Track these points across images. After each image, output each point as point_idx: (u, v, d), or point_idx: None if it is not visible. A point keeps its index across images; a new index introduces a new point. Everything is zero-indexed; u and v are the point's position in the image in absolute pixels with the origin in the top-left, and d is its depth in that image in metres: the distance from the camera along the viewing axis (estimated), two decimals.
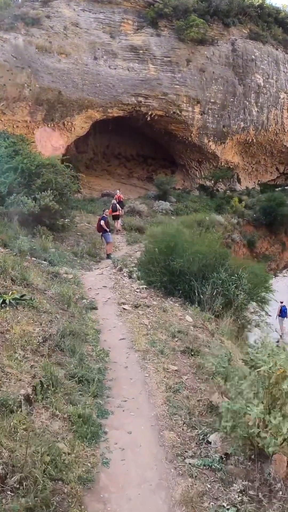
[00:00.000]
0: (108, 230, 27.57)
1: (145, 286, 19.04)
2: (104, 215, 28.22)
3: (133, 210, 41.85)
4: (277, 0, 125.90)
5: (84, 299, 16.67)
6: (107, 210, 29.50)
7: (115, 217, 33.99)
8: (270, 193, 54.76)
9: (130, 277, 20.94)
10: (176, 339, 13.87)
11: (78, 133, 49.70)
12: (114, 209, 33.68)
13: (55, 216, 28.38)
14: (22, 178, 28.26)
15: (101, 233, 27.91)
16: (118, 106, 50.08)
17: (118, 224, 34.55)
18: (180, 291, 18.22)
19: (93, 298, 17.14)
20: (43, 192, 27.01)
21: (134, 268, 22.26)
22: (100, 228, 27.63)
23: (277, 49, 63.72)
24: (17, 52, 43.25)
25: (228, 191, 58.65)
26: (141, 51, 51.96)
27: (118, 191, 41.12)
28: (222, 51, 57.58)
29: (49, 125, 46.51)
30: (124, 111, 51.08)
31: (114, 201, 35.39)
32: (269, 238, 50.82)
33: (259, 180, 66.99)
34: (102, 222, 27.40)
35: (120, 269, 21.90)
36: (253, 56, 59.60)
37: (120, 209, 35.27)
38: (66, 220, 31.91)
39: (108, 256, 27.09)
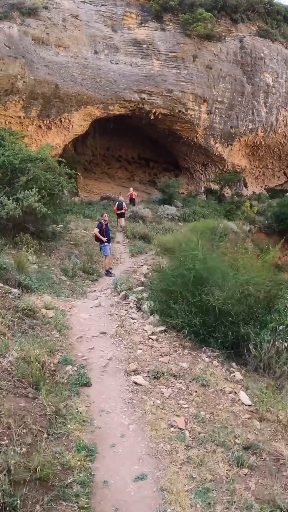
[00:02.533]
0: (105, 240, 20.36)
1: (163, 329, 11.75)
2: (102, 220, 21.00)
3: (136, 215, 34.93)
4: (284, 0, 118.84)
5: (69, 363, 9.28)
6: (105, 214, 21.87)
7: (120, 215, 31.58)
8: (282, 199, 47.70)
9: (139, 308, 13.68)
10: (246, 469, 6.59)
11: (77, 131, 42.79)
12: (120, 207, 31.32)
13: (43, 221, 21.12)
14: (3, 175, 20.97)
15: (98, 243, 20.87)
16: (119, 103, 43.35)
17: (122, 221, 31.69)
18: (219, 340, 10.95)
19: (85, 359, 9.69)
20: (26, 191, 19.59)
21: (143, 293, 14.99)
22: (96, 238, 20.70)
23: (286, 48, 57.22)
24: (11, 42, 37.01)
25: (234, 196, 51.39)
26: (145, 46, 45.62)
27: (131, 188, 40.70)
28: (230, 48, 51.05)
29: (44, 122, 39.58)
30: (126, 108, 44.40)
31: (120, 198, 33.88)
32: (281, 246, 43.38)
33: (266, 185, 60.26)
34: (96, 231, 20.41)
35: (125, 297, 14.52)
36: (262, 54, 53.06)
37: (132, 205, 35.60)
38: (59, 226, 24.91)
39: (108, 273, 20.15)
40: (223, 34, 51.10)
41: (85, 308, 13.16)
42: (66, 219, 27.09)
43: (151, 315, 12.96)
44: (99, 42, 43.30)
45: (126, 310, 13.32)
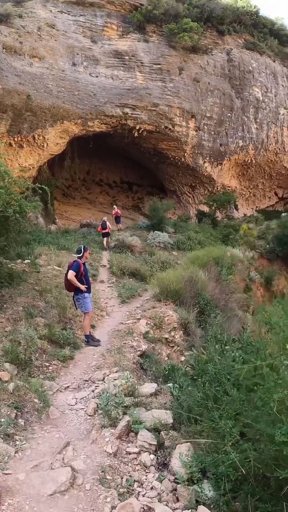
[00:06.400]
0: (84, 288, 11.86)
1: None
2: (77, 259, 12.26)
3: (123, 245, 26.69)
4: (269, 12, 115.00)
5: None
6: (88, 251, 13.28)
7: (105, 235, 28.66)
8: (282, 220, 40.60)
9: (164, 465, 5.72)
10: None
11: (53, 150, 35.06)
12: (104, 227, 28.58)
13: None
14: None
15: (72, 293, 12.38)
16: (100, 119, 36.05)
17: (107, 241, 28.56)
18: None
19: None
20: None
21: (164, 409, 7.08)
22: (69, 285, 12.05)
23: (274, 61, 51.24)
24: None
25: (225, 219, 43.73)
26: (127, 58, 38.84)
27: (115, 206, 37.24)
28: (217, 60, 44.68)
29: (15, 139, 31.91)
30: (108, 125, 37.11)
31: (104, 218, 30.16)
32: (285, 273, 36.36)
33: (257, 206, 53.20)
34: (72, 275, 11.72)
35: (127, 431, 6.56)
36: (250, 68, 46.83)
37: (117, 224, 34.27)
38: (25, 261, 17.02)
39: (88, 340, 11.86)
40: (210, 46, 44.88)
41: (33, 501, 5.11)
42: (36, 251, 19.30)
43: (194, 483, 5.35)
44: (78, 54, 36.55)
45: (138, 483, 5.47)
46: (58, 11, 37.42)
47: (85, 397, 8.26)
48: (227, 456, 4.88)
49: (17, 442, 6.38)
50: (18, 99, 30.85)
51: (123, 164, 49.73)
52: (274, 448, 4.40)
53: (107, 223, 28.72)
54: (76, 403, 8.07)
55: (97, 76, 36.69)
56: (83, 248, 12.44)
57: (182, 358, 12.23)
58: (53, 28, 35.99)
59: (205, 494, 5.14)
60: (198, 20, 43.19)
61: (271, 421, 4.64)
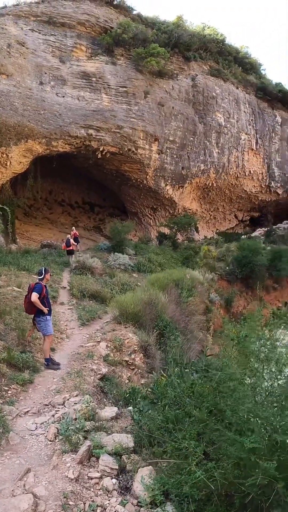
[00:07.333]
0: (47, 310, 11.87)
1: None
2: (39, 281, 12.29)
3: (83, 267, 26.24)
4: (234, 41, 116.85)
5: None
6: (49, 273, 13.20)
7: (69, 252, 29.16)
8: (241, 242, 41.25)
9: (126, 488, 5.81)
10: None
11: (16, 169, 34.81)
12: (68, 244, 28.86)
13: None
14: None
15: (33, 315, 12.22)
16: (64, 139, 36.22)
17: (72, 258, 28.65)
18: None
19: None
20: None
21: (126, 433, 7.13)
22: (30, 307, 12.06)
23: (237, 88, 52.97)
24: None
25: (186, 241, 44.16)
26: (94, 79, 39.07)
27: (73, 228, 35.03)
28: (182, 86, 45.76)
29: None
30: (72, 145, 37.25)
31: (68, 236, 30.60)
32: (245, 294, 37.02)
33: (217, 229, 54.26)
34: (35, 296, 11.65)
35: (89, 456, 6.40)
36: (214, 94, 48.31)
37: (76, 244, 31.53)
38: None
39: (48, 364, 11.74)
40: (175, 71, 45.96)
41: None
42: None
43: (157, 506, 5.49)
44: (45, 73, 36.56)
45: (101, 508, 5.51)
46: (29, 29, 37.34)
47: (45, 422, 8.25)
48: (190, 477, 5.02)
49: None
50: None
51: (86, 185, 49.98)
52: (242, 455, 4.58)
53: (71, 240, 28.94)
54: (36, 428, 8.06)
55: (63, 96, 36.81)
56: (44, 270, 12.55)
57: (143, 381, 12.30)
58: (23, 46, 35.84)
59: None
60: (166, 46, 44.14)
61: (241, 430, 4.84)
